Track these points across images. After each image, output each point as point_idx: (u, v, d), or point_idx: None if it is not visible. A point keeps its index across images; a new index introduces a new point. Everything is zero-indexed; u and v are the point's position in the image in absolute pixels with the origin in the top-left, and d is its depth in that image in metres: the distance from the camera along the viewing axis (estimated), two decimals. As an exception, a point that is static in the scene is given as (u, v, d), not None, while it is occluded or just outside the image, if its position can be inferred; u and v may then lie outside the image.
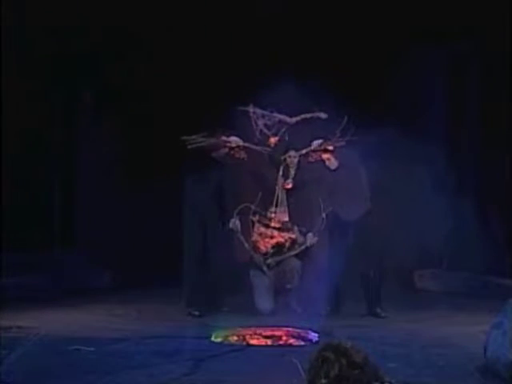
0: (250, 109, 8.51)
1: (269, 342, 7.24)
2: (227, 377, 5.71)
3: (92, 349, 6.46)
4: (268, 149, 8.56)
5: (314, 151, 8.43)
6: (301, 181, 8.58)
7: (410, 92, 9.81)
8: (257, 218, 8.40)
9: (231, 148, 8.46)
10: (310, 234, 8.39)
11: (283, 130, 8.59)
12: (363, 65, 9.68)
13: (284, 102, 8.34)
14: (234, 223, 8.36)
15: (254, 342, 7.21)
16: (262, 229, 8.42)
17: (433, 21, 9.63)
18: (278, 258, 8.44)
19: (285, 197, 8.54)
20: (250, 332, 7.43)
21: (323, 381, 2.91)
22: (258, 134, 8.51)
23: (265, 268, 8.42)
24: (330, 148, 8.30)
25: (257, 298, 8.40)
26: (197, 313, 8.21)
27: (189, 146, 8.17)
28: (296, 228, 8.45)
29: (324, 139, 8.35)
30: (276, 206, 8.48)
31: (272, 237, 8.40)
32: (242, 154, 8.54)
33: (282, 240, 8.42)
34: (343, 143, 8.21)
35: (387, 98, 9.41)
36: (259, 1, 9.73)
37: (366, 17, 9.66)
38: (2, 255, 8.73)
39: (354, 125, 8.09)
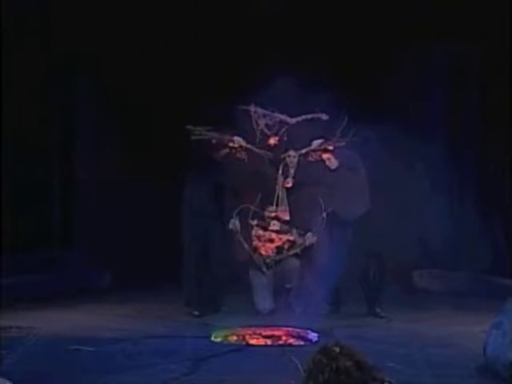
0: (252, 108, 8.51)
1: (268, 341, 7.24)
2: (227, 376, 5.71)
3: (92, 349, 6.47)
4: (270, 153, 8.58)
5: (313, 151, 8.44)
6: (300, 180, 8.58)
7: (409, 91, 9.80)
8: (255, 221, 8.41)
9: (233, 148, 8.47)
10: (309, 234, 8.39)
11: (283, 129, 8.59)
12: (363, 63, 9.67)
13: (285, 100, 8.34)
14: (234, 224, 8.36)
15: (253, 341, 7.22)
16: (261, 232, 8.43)
17: (433, 20, 9.62)
18: (276, 258, 8.44)
19: (285, 196, 8.54)
20: (250, 332, 7.43)
21: (305, 381, 2.91)
22: (258, 133, 8.51)
23: (264, 268, 8.42)
24: (330, 148, 8.31)
25: (256, 297, 8.40)
26: (196, 313, 8.21)
27: (192, 137, 8.19)
28: (295, 230, 8.45)
29: (324, 139, 8.35)
30: (277, 205, 8.49)
31: (271, 240, 8.38)
32: (243, 155, 8.55)
33: (281, 243, 8.41)
34: (343, 143, 8.21)
35: (387, 97, 9.40)
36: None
37: (366, 16, 9.65)
38: (2, 255, 8.72)
39: (353, 124, 8.09)
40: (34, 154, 9.83)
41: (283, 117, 8.51)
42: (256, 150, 8.51)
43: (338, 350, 2.93)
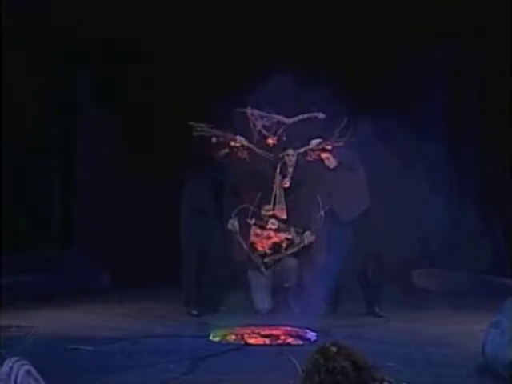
0: (249, 110, 8.53)
1: (267, 341, 7.24)
2: (225, 376, 5.71)
3: (90, 348, 6.47)
4: (271, 155, 8.60)
5: (312, 150, 8.45)
6: (299, 179, 8.59)
7: (409, 91, 9.81)
8: (253, 221, 8.43)
9: (234, 147, 8.48)
10: (307, 233, 8.40)
11: (281, 130, 8.62)
12: (363, 63, 9.68)
13: (284, 98, 8.35)
14: (233, 224, 8.38)
15: (252, 341, 7.22)
16: (259, 231, 8.44)
17: (433, 20, 9.61)
18: (275, 257, 8.45)
19: (283, 195, 8.56)
20: (249, 331, 7.44)
21: (302, 380, 2.90)
22: (256, 134, 8.54)
23: (262, 268, 8.43)
24: (329, 148, 8.31)
25: (255, 297, 8.41)
26: (195, 312, 8.21)
27: (194, 133, 8.21)
28: (293, 229, 8.46)
29: (322, 139, 8.36)
30: (274, 204, 8.50)
31: (269, 237, 8.41)
32: (244, 154, 8.57)
33: (278, 240, 8.42)
34: (341, 143, 8.22)
35: (387, 97, 9.41)
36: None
37: (366, 15, 9.65)
38: (2, 255, 8.72)
39: (353, 124, 8.11)
40: (34, 153, 9.84)
41: (280, 117, 8.55)
42: (257, 150, 8.53)
43: (334, 349, 2.92)
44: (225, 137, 8.41)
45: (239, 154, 8.54)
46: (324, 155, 8.34)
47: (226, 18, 9.64)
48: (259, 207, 8.51)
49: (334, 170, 8.34)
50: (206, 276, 8.38)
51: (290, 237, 8.45)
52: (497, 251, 9.71)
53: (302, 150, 8.52)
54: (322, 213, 8.21)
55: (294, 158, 8.55)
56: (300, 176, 8.60)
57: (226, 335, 7.30)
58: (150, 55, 9.90)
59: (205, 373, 5.85)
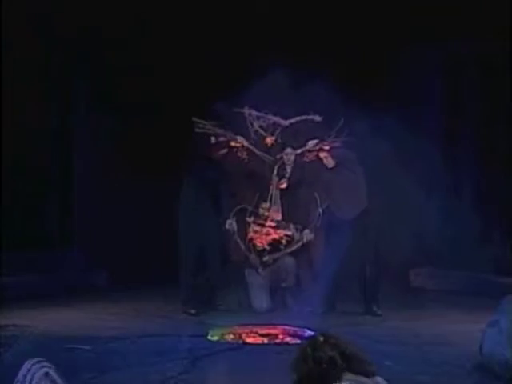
0: (246, 110, 8.54)
1: (265, 340, 7.25)
2: (223, 375, 5.72)
3: (88, 347, 6.46)
4: (270, 157, 8.61)
5: (309, 151, 8.46)
6: (297, 179, 8.59)
7: (408, 91, 9.81)
8: (252, 219, 8.44)
9: (233, 147, 8.49)
10: (306, 231, 8.41)
11: (278, 131, 8.63)
12: (362, 63, 9.67)
13: (281, 98, 8.36)
14: (231, 224, 8.39)
15: (250, 340, 7.23)
16: (257, 228, 8.45)
17: (432, 20, 9.61)
18: (275, 256, 8.45)
19: (278, 196, 8.57)
20: (247, 330, 7.45)
21: (295, 376, 2.90)
22: (252, 134, 8.56)
23: (260, 269, 8.44)
24: (326, 148, 8.32)
25: (253, 296, 8.41)
26: (193, 311, 8.21)
27: (196, 129, 8.22)
28: (292, 225, 8.47)
29: (319, 140, 8.38)
30: (270, 205, 8.51)
31: (267, 234, 8.43)
32: (244, 155, 8.57)
33: (277, 237, 8.44)
34: (338, 144, 8.24)
35: (386, 96, 9.40)
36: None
37: (366, 15, 9.65)
38: (1, 254, 8.72)
39: (351, 124, 8.11)
40: (34, 153, 9.84)
41: (277, 119, 8.56)
42: (258, 152, 8.55)
43: (322, 339, 2.91)
44: (225, 136, 8.41)
45: (239, 154, 8.54)
46: (322, 154, 8.34)
47: (225, 17, 9.64)
48: (257, 207, 8.52)
49: (332, 169, 8.34)
50: (204, 275, 8.38)
51: (289, 233, 8.46)
52: (495, 250, 9.72)
53: (299, 151, 8.54)
54: (321, 210, 8.22)
55: (293, 157, 8.55)
56: (298, 176, 8.60)
57: (224, 334, 7.30)
58: (150, 55, 9.87)
59: (203, 372, 5.85)
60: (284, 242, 8.46)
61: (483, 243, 9.75)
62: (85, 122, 10.42)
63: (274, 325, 7.56)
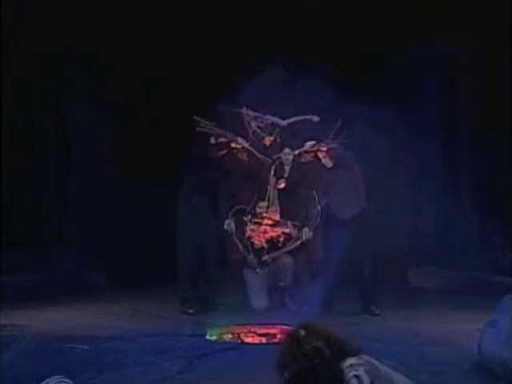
0: (243, 111, 8.54)
1: (263, 339, 7.24)
2: (221, 375, 5.71)
3: (86, 347, 6.46)
4: (269, 160, 8.61)
5: (307, 152, 8.48)
6: (296, 179, 8.60)
7: (406, 90, 9.81)
8: (249, 217, 8.44)
9: (234, 148, 8.49)
10: (305, 229, 8.41)
11: (276, 131, 8.64)
12: (361, 63, 9.68)
13: (279, 97, 8.36)
14: (229, 225, 8.39)
15: (248, 339, 7.22)
16: (254, 226, 8.45)
17: (431, 20, 9.61)
18: (274, 255, 8.45)
19: (276, 196, 8.58)
20: (245, 330, 7.45)
21: (286, 374, 2.87)
22: (251, 134, 8.57)
23: (258, 269, 8.44)
24: (324, 149, 8.34)
25: (251, 296, 8.41)
26: (191, 311, 8.21)
27: (197, 128, 8.23)
28: (290, 223, 8.47)
29: (317, 141, 8.39)
30: (268, 206, 8.52)
31: (265, 232, 8.43)
32: (244, 156, 8.58)
33: (275, 234, 8.44)
34: (336, 145, 8.25)
35: (384, 97, 9.40)
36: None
37: (363, 15, 9.65)
38: (0, 254, 8.72)
39: (347, 125, 8.13)
40: (33, 153, 9.83)
41: (275, 119, 8.57)
42: (258, 154, 8.56)
43: (303, 332, 2.89)
44: (226, 137, 8.42)
45: (238, 155, 8.55)
46: (320, 155, 8.36)
47: (225, 17, 9.64)
48: (255, 207, 8.52)
49: (330, 169, 8.34)
50: (203, 275, 8.38)
51: (287, 231, 8.47)
52: (494, 250, 9.72)
53: (296, 152, 8.55)
54: (319, 208, 8.23)
55: (291, 157, 8.56)
56: (296, 176, 8.60)
57: (222, 334, 7.30)
58: (149, 55, 9.87)
59: (201, 371, 5.85)
60: (282, 239, 8.47)
61: (482, 243, 9.76)
62: (84, 122, 10.42)
63: (273, 324, 7.56)
